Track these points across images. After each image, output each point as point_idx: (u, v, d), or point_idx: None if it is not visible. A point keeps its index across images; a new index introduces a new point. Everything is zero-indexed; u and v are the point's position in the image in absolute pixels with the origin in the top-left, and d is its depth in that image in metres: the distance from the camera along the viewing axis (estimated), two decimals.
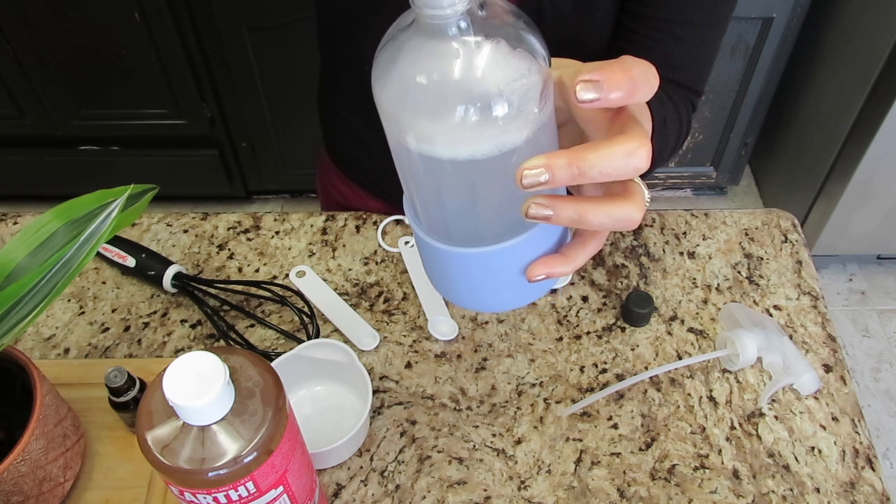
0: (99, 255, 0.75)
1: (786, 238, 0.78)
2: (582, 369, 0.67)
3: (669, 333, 0.70)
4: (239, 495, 0.43)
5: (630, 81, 0.32)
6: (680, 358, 0.68)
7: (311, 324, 0.69)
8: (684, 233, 0.78)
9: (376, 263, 0.75)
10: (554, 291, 0.73)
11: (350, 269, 0.75)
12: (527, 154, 0.33)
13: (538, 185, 0.32)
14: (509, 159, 0.32)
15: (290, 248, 0.77)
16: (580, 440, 0.63)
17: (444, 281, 0.40)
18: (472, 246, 0.36)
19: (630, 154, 0.32)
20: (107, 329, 0.71)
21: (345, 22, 0.70)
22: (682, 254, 0.76)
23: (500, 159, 0.32)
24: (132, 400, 0.58)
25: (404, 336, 0.70)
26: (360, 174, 0.85)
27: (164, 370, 0.41)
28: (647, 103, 0.49)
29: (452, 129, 0.31)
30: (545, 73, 0.32)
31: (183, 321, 0.71)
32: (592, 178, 0.32)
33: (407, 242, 0.76)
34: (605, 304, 0.72)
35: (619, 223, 0.35)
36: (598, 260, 0.75)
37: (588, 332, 0.70)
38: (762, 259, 0.76)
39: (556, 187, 0.33)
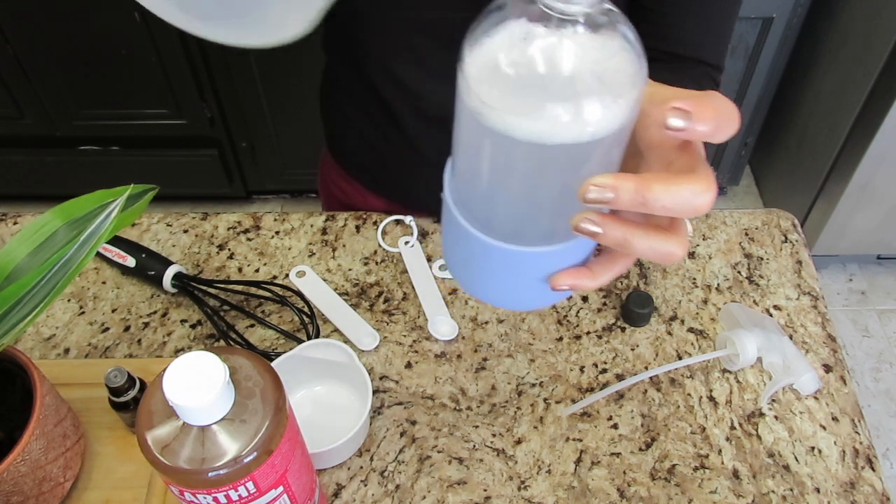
0: (99, 255, 0.75)
1: (786, 238, 0.78)
2: (582, 369, 0.67)
3: (669, 333, 0.70)
4: (239, 495, 0.43)
5: (717, 119, 0.32)
6: (680, 358, 0.68)
7: (311, 324, 0.69)
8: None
9: (376, 263, 0.75)
10: None
11: (350, 269, 0.75)
12: (598, 159, 0.33)
13: (599, 203, 0.32)
14: (583, 155, 0.32)
15: (290, 248, 0.77)
16: (580, 440, 0.63)
17: (465, 268, 0.40)
18: (504, 241, 0.36)
19: (696, 195, 0.32)
20: (107, 329, 0.71)
21: (348, 14, 0.70)
22: None
23: (573, 151, 0.32)
24: (132, 400, 0.58)
25: (404, 336, 0.70)
26: (361, 170, 0.86)
27: (164, 370, 0.41)
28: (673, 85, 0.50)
29: (540, 111, 0.31)
30: (642, 85, 0.32)
31: (183, 321, 0.71)
32: (653, 209, 0.32)
33: (407, 242, 0.76)
34: (605, 304, 0.72)
35: (661, 257, 0.35)
36: None
37: (588, 332, 0.70)
38: (762, 259, 0.76)
39: (614, 208, 0.33)
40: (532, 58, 0.31)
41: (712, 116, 0.32)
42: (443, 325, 0.70)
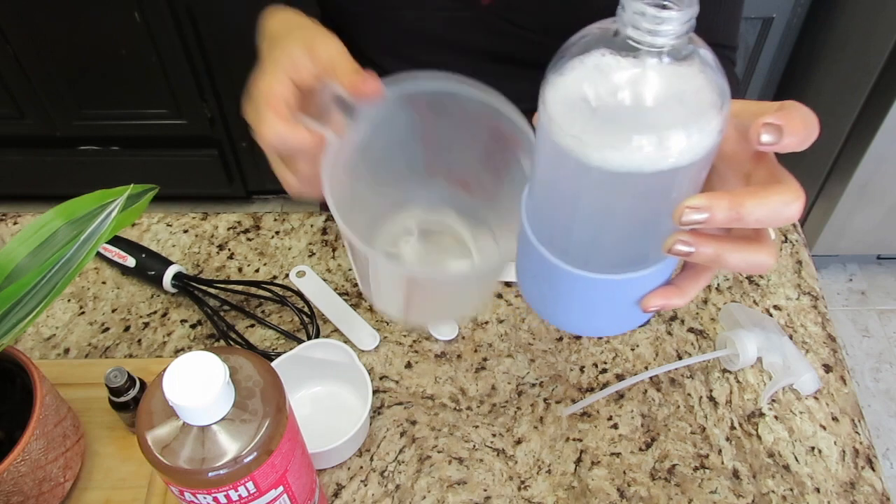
0: (99, 255, 0.75)
1: (786, 238, 0.78)
2: (582, 369, 0.67)
3: (669, 333, 0.70)
4: (239, 495, 0.43)
5: (806, 129, 0.32)
6: (680, 358, 0.68)
7: (311, 324, 0.69)
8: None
9: None
10: None
11: (350, 269, 0.75)
12: (689, 182, 0.33)
13: (696, 224, 0.32)
14: (676, 181, 0.33)
15: (290, 248, 0.77)
16: (580, 440, 0.63)
17: (548, 300, 0.40)
18: (585, 269, 0.36)
19: (787, 205, 0.33)
20: (107, 329, 0.71)
21: (340, 16, 0.70)
22: None
23: (667, 178, 0.32)
24: (132, 400, 0.58)
25: (404, 336, 0.70)
26: None
27: (164, 370, 0.41)
28: None
29: (634, 143, 0.31)
30: (728, 106, 0.33)
31: (183, 321, 0.71)
32: (748, 224, 0.33)
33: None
34: None
35: (753, 268, 0.35)
36: None
37: None
38: None
39: (708, 227, 0.33)
40: (625, 90, 0.31)
41: (802, 128, 0.32)
42: (443, 325, 0.70)
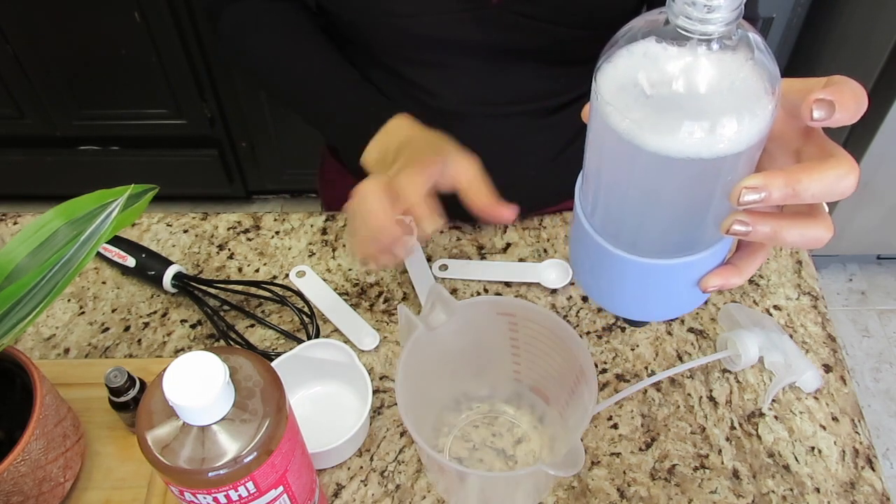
0: (99, 255, 0.75)
1: None
2: None
3: (669, 333, 0.70)
4: (239, 495, 0.43)
5: (856, 104, 0.33)
6: (680, 358, 0.68)
7: (311, 324, 0.69)
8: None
9: None
10: (554, 291, 0.73)
11: (350, 269, 0.75)
12: (745, 164, 0.34)
13: (753, 204, 0.33)
14: (734, 164, 0.33)
15: (290, 248, 0.77)
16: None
17: (603, 286, 0.41)
18: (639, 254, 0.37)
19: (842, 178, 0.33)
20: (107, 329, 0.71)
21: (344, 22, 0.70)
22: None
23: (726, 162, 0.33)
24: (132, 400, 0.58)
25: None
26: (360, 168, 0.85)
27: (164, 370, 0.41)
28: None
29: (693, 128, 0.32)
30: (779, 88, 0.33)
31: (183, 321, 0.71)
32: (804, 199, 0.33)
33: None
34: None
35: (810, 242, 0.36)
36: None
37: (588, 332, 0.70)
38: None
39: (766, 206, 0.34)
40: (678, 78, 0.32)
41: (853, 102, 0.32)
42: None
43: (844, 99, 0.32)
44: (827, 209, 0.37)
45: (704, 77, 0.32)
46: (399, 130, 0.63)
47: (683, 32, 0.31)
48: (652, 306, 0.41)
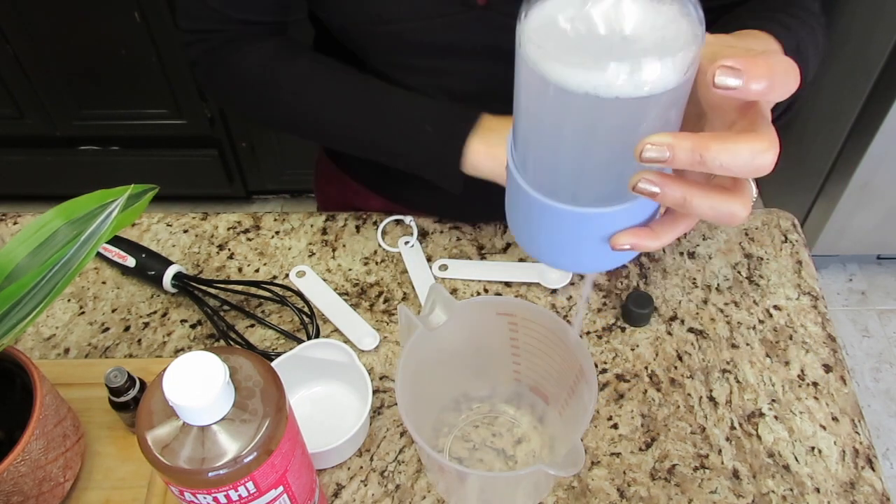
0: (99, 255, 0.75)
1: (786, 238, 0.78)
2: None
3: (669, 333, 0.70)
4: (239, 495, 0.43)
5: (771, 76, 0.31)
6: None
7: (311, 324, 0.69)
8: (684, 233, 0.78)
9: (376, 263, 0.75)
10: (554, 291, 0.73)
11: (350, 269, 0.75)
12: (655, 118, 0.32)
13: (656, 162, 0.32)
14: (639, 113, 0.32)
15: (290, 248, 0.77)
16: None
17: (527, 231, 0.40)
18: (565, 203, 0.36)
19: (756, 154, 0.32)
20: (107, 329, 0.71)
21: (342, 33, 0.70)
22: (681, 254, 0.76)
23: (629, 107, 0.32)
24: (132, 400, 0.58)
25: None
26: (358, 169, 0.85)
27: (164, 370, 0.41)
28: (774, 34, 0.49)
29: (596, 64, 0.31)
30: (698, 44, 0.32)
31: (183, 321, 0.71)
32: (711, 168, 0.32)
33: (407, 242, 0.76)
34: (605, 304, 0.72)
35: (723, 217, 0.34)
36: None
37: (588, 332, 0.70)
38: (762, 259, 0.76)
39: (671, 167, 0.32)
40: (591, 15, 0.31)
41: (765, 74, 0.31)
42: None
43: (755, 69, 0.31)
44: (754, 188, 0.36)
45: (621, 16, 0.31)
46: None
47: None
48: (564, 255, 0.40)
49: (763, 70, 0.31)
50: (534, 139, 0.36)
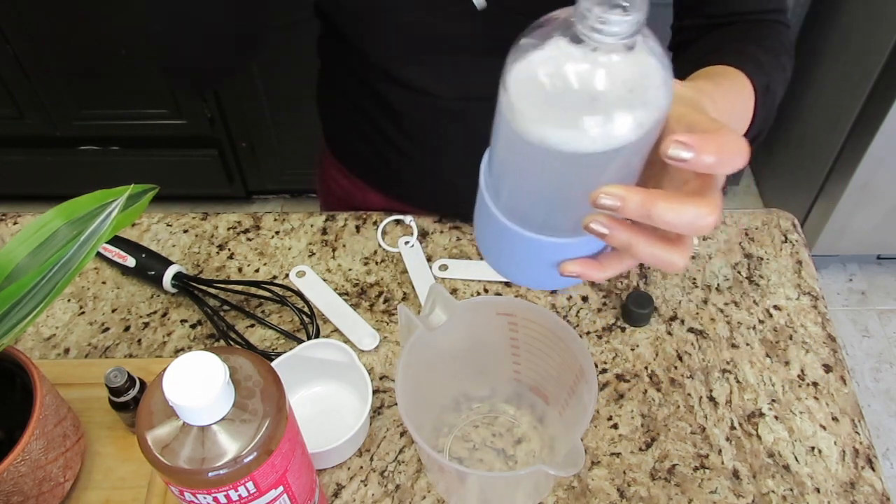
0: (99, 255, 0.75)
1: (786, 238, 0.78)
2: None
3: (669, 333, 0.70)
4: (239, 495, 0.43)
5: (721, 154, 0.34)
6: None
7: (311, 324, 0.69)
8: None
9: (376, 263, 0.75)
10: (554, 292, 0.73)
11: (350, 269, 0.75)
12: (614, 168, 0.35)
13: (608, 209, 0.35)
14: (599, 164, 0.35)
15: (290, 248, 0.77)
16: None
17: (492, 248, 0.44)
18: (528, 229, 0.39)
19: (699, 217, 0.34)
20: (107, 329, 0.71)
21: (342, 20, 0.70)
22: None
23: (589, 160, 0.34)
24: (132, 400, 0.58)
25: None
26: (360, 165, 0.86)
27: (164, 370, 0.41)
28: (748, 73, 0.53)
29: (565, 123, 0.33)
30: (667, 102, 0.34)
31: (183, 321, 0.71)
32: (657, 223, 0.35)
33: (407, 242, 0.76)
34: (605, 304, 0.72)
35: (662, 265, 0.38)
36: None
37: (588, 332, 0.70)
38: (762, 259, 0.76)
39: (623, 216, 0.35)
40: (562, 77, 0.34)
41: (714, 152, 0.33)
42: None
43: (706, 146, 0.33)
44: (695, 243, 0.39)
45: (586, 79, 0.33)
46: None
47: (583, 36, 0.32)
48: (526, 274, 0.44)
49: (713, 148, 0.33)
50: (507, 177, 0.39)
